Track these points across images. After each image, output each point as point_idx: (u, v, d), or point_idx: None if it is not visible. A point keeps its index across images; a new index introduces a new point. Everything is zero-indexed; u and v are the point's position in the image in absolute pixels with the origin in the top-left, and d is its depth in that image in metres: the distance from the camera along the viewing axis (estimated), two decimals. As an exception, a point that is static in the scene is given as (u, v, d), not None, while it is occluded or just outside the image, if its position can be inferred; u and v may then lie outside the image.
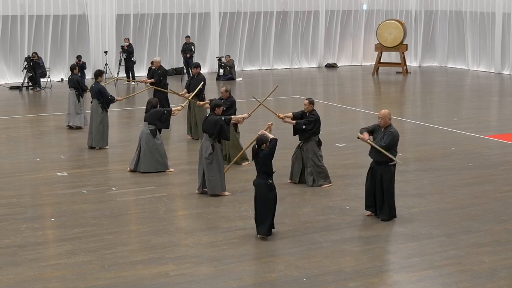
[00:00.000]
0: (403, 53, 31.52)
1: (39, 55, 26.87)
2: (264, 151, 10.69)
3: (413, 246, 10.51)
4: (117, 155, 16.21)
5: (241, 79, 29.61)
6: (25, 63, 26.51)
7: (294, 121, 13.43)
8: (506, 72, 31.56)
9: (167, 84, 19.79)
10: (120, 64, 28.85)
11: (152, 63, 20.40)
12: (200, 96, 17.11)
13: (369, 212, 11.80)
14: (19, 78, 27.71)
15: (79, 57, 25.92)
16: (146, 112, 14.66)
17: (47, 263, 9.81)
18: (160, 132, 14.63)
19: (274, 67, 33.35)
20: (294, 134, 13.63)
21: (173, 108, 14.98)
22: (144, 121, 14.65)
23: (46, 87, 26.56)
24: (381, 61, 32.09)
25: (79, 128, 18.77)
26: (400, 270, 9.67)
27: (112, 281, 9.18)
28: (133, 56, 28.38)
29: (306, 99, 13.55)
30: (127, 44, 28.37)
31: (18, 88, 26.64)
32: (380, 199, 11.57)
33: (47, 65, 27.61)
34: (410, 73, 32.03)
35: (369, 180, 11.68)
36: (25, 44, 28.16)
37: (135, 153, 14.70)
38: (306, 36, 33.83)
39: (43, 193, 13.16)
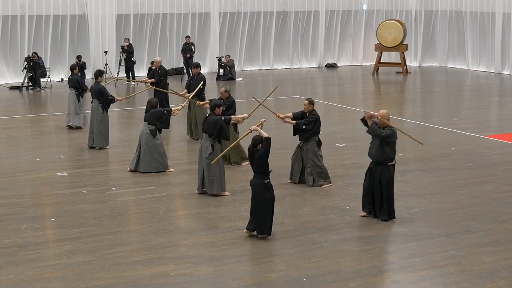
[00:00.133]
0: (403, 53, 31.49)
1: (39, 55, 26.85)
2: (259, 151, 10.68)
3: (413, 246, 10.51)
4: (117, 155, 16.21)
5: (241, 79, 29.59)
6: (25, 63, 26.49)
7: (294, 121, 13.43)
8: (506, 72, 31.54)
9: (168, 84, 19.79)
10: (120, 64, 28.83)
11: (152, 63, 20.38)
12: (200, 96, 17.10)
13: (364, 213, 11.79)
14: (19, 78, 27.70)
15: (79, 57, 25.89)
16: (146, 112, 14.66)
17: (47, 263, 9.81)
18: (160, 132, 14.64)
19: (274, 67, 33.32)
20: (294, 134, 13.63)
21: (173, 108, 14.97)
22: (144, 121, 14.65)
23: (46, 87, 26.54)
24: (381, 61, 32.06)
25: (79, 128, 18.77)
26: (400, 270, 9.67)
27: (112, 281, 9.18)
28: (133, 56, 28.36)
29: (306, 99, 13.55)
30: (127, 44, 28.34)
31: (18, 88, 26.63)
32: (379, 199, 11.56)
33: (47, 65, 27.59)
34: (410, 73, 32.01)
35: (368, 180, 11.68)
36: (25, 44, 28.13)
37: (135, 153, 14.70)
38: (306, 36, 33.80)
39: (43, 193, 13.16)
